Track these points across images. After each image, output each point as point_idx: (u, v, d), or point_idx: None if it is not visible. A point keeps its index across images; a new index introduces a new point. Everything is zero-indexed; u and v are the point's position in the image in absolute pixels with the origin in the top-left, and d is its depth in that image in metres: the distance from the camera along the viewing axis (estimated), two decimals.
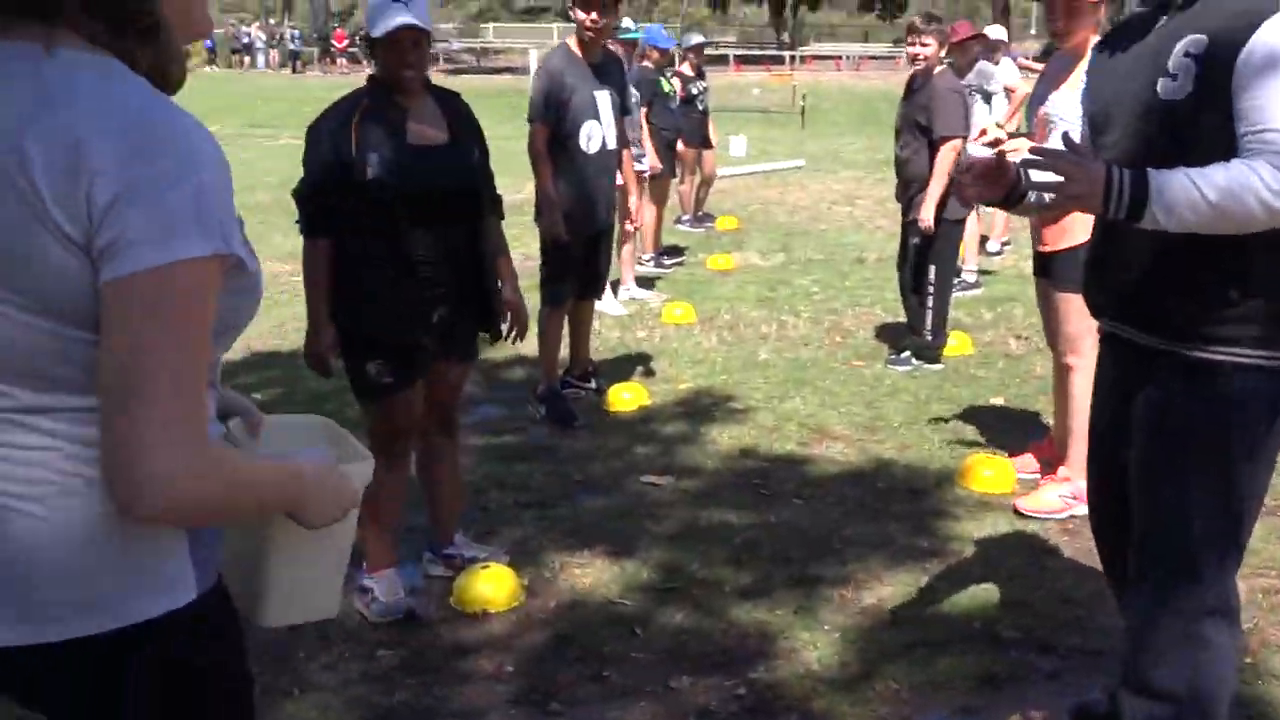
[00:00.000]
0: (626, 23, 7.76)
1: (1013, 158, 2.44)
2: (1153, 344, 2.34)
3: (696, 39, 10.41)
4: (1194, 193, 2.09)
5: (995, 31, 9.23)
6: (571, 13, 5.16)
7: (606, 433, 5.09)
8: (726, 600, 3.52)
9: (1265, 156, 2.08)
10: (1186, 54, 2.16)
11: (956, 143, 5.64)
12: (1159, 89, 2.21)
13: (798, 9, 54.52)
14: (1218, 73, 2.13)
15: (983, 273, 8.29)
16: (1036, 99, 4.34)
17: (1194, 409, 2.30)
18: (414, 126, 3.33)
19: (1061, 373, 4.34)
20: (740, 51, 45.07)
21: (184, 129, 1.23)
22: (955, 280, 7.86)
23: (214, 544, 1.38)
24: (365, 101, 3.33)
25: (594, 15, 5.06)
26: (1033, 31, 43.60)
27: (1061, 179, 2.15)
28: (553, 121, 5.08)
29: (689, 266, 8.94)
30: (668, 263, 8.84)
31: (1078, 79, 3.63)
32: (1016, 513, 4.14)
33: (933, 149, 5.73)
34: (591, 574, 3.70)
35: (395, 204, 3.26)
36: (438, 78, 3.57)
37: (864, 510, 4.19)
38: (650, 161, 8.11)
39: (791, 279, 8.34)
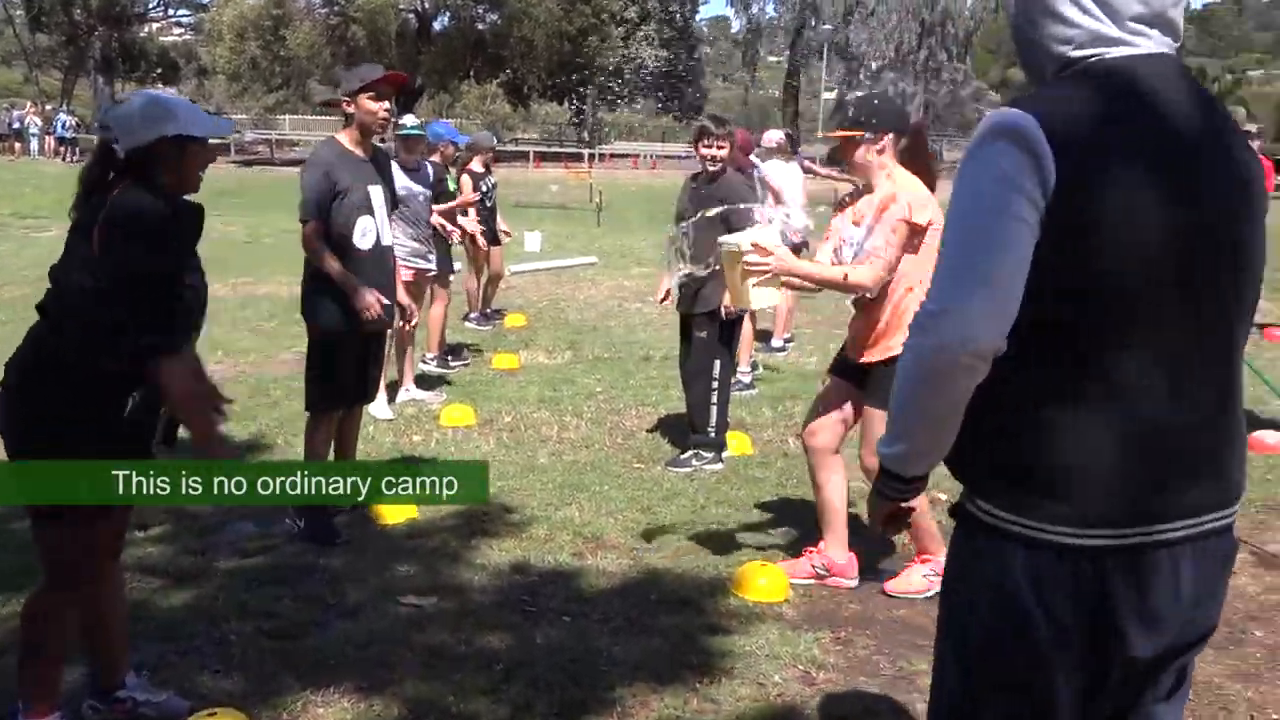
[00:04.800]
0: (409, 119, 7.56)
1: None
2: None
3: (491, 138, 10.57)
4: None
5: (770, 137, 9.55)
6: (354, 104, 4.87)
7: (369, 549, 4.77)
8: None
9: None
10: None
11: None
12: None
13: (597, 109, 55.74)
14: None
15: (767, 369, 8.39)
16: None
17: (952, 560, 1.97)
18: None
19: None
20: (541, 148, 45.66)
21: None
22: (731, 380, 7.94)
23: None
24: (163, 207, 2.92)
25: (387, 105, 4.90)
26: (820, 135, 45.81)
27: None
28: (326, 219, 4.82)
29: (473, 366, 8.72)
30: (454, 363, 8.60)
31: None
32: (787, 621, 4.05)
33: None
34: (335, 713, 3.38)
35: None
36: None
37: (632, 626, 4.01)
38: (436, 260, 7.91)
39: (576, 378, 8.22)
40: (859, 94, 5.45)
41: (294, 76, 44.69)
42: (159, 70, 57.45)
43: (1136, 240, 1.70)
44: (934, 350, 1.71)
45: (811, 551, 4.58)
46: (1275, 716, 3.44)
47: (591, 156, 43.13)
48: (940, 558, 4.34)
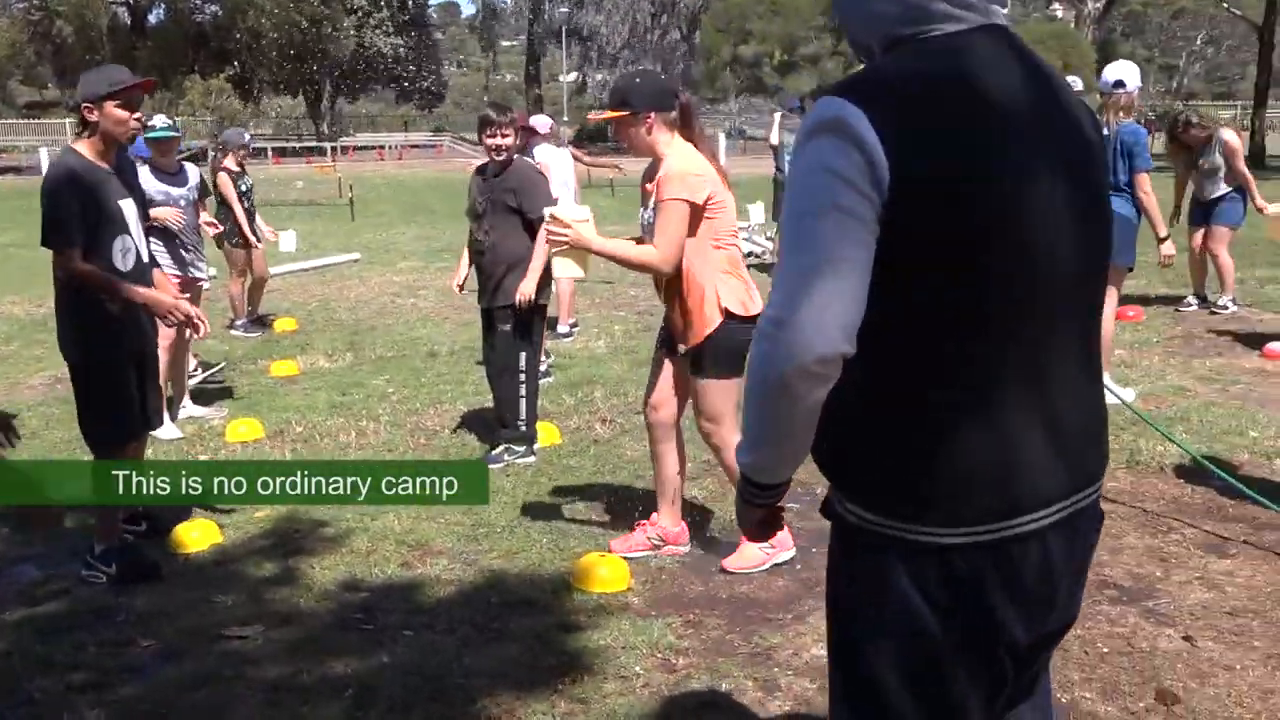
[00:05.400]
0: (159, 119, 6.97)
1: None
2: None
3: (243, 135, 10.05)
4: None
5: (540, 123, 9.50)
6: (97, 112, 4.31)
7: (175, 582, 4.41)
8: None
9: None
10: None
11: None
12: None
13: (335, 100, 53.96)
14: None
15: (559, 356, 8.32)
16: None
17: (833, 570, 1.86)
18: None
19: (715, 452, 4.47)
20: (279, 144, 43.81)
21: None
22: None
23: None
24: None
25: (137, 113, 4.44)
26: (565, 118, 46.18)
27: None
28: (83, 243, 4.33)
29: (250, 375, 8.23)
30: (216, 373, 8.09)
31: None
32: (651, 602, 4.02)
33: (529, 228, 5.65)
34: None
35: None
36: None
37: (480, 634, 3.87)
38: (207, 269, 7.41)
39: (364, 380, 7.90)
40: (623, 75, 5.45)
41: None
42: None
43: (1002, 223, 1.61)
44: (777, 360, 1.59)
45: (644, 524, 4.59)
46: (1105, 649, 3.66)
47: (334, 149, 41.76)
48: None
